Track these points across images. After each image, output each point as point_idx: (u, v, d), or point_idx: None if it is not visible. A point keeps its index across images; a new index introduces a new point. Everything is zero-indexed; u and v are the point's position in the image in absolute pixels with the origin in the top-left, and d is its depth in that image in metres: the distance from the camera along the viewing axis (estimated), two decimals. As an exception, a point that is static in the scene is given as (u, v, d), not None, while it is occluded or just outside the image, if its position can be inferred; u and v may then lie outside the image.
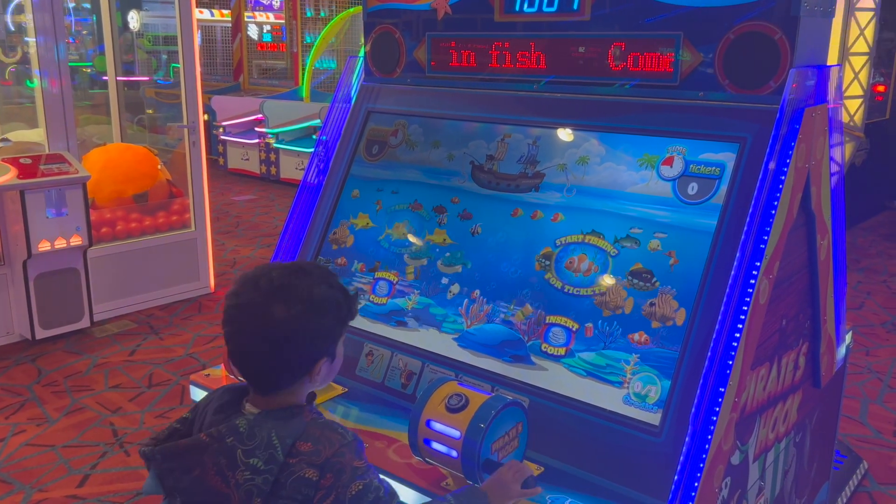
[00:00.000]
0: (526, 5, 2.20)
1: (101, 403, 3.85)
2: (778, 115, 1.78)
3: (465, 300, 2.09)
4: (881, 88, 7.53)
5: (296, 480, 1.25)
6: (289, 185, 9.14)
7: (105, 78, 6.10)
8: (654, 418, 1.74)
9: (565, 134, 2.13)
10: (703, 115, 1.92)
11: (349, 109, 2.61)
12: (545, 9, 2.17)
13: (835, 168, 2.10)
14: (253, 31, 11.88)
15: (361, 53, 2.67)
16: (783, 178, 1.81)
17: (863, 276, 5.95)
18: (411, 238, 2.29)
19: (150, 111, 7.65)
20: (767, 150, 1.79)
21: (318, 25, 10.89)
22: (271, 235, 7.13)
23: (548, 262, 2.00)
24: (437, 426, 1.59)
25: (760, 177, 1.78)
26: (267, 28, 12.47)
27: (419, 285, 2.19)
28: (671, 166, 1.93)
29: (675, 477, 1.64)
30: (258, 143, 9.51)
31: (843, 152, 2.15)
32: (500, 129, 2.22)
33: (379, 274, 2.30)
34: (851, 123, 6.72)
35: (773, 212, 1.79)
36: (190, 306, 5.24)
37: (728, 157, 1.86)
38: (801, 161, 1.88)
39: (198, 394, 2.22)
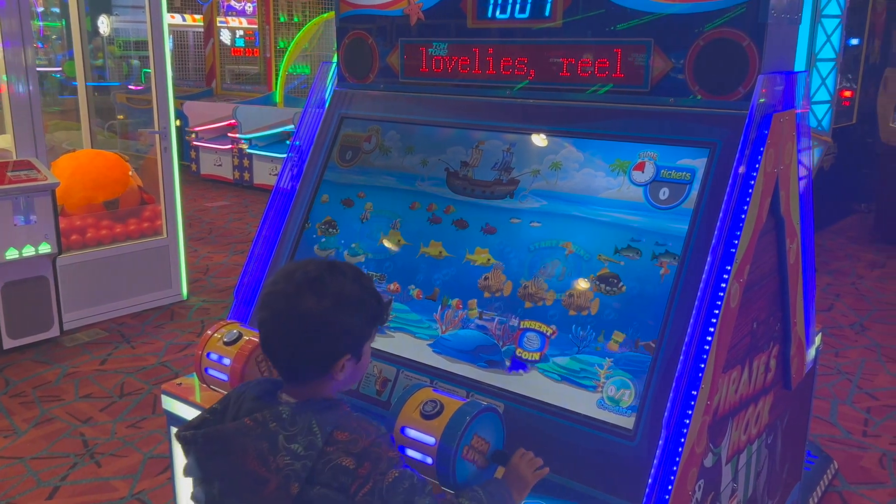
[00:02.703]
0: (498, 12, 2.21)
1: (71, 414, 3.79)
2: (747, 120, 1.80)
3: (440, 306, 2.09)
4: (847, 94, 7.67)
5: (333, 468, 1.29)
6: (262, 191, 9.08)
7: (75, 83, 6.02)
8: (627, 422, 1.75)
9: (539, 140, 2.14)
10: (674, 121, 1.94)
11: (322, 115, 2.60)
12: (517, 15, 2.18)
13: (803, 172, 2.13)
14: (226, 37, 11.80)
15: (335, 59, 2.67)
16: (753, 182, 1.84)
17: (832, 279, 6.05)
18: (385, 243, 2.28)
19: (121, 117, 7.56)
20: (737, 155, 1.81)
21: (291, 31, 10.84)
22: (245, 241, 7.08)
23: (524, 268, 2.01)
24: (412, 433, 1.59)
25: (730, 182, 1.80)
26: (240, 33, 12.40)
27: (393, 290, 2.18)
28: (643, 171, 1.95)
29: (650, 480, 1.65)
30: (231, 149, 9.43)
31: (811, 157, 2.19)
32: (474, 135, 2.23)
33: (353, 280, 2.28)
34: (819, 128, 6.83)
35: (743, 216, 1.82)
36: (162, 314, 5.18)
37: (699, 163, 1.88)
38: (770, 166, 1.91)
39: (170, 403, 2.19)
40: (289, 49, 9.86)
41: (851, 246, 7.01)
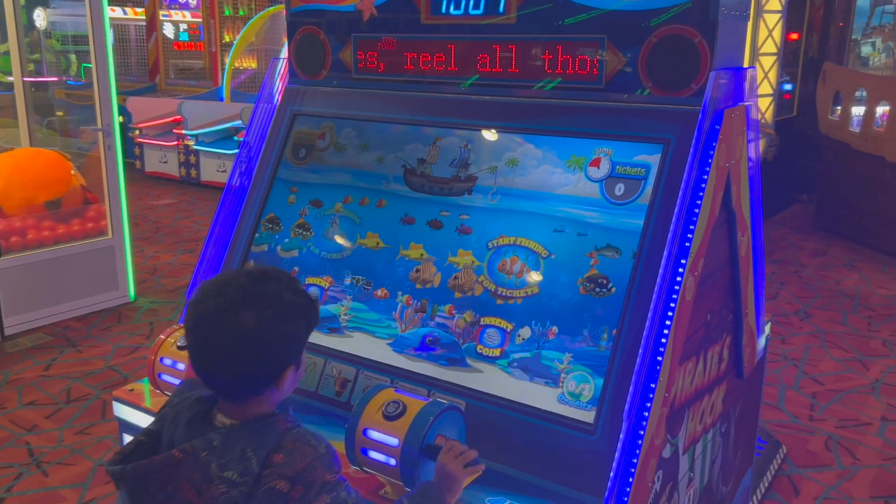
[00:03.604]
0: (452, 7, 2.20)
1: (14, 422, 3.66)
2: (700, 116, 1.83)
3: (399, 304, 2.07)
4: (788, 87, 7.88)
5: (267, 491, 1.26)
6: (210, 188, 8.91)
7: (11, 78, 5.80)
8: (588, 416, 1.76)
9: (496, 136, 2.14)
10: (628, 117, 1.96)
11: (274, 112, 2.56)
12: (471, 11, 2.17)
13: (752, 166, 2.17)
14: (169, 30, 11.51)
15: (282, 54, 2.62)
16: (706, 177, 1.86)
17: (776, 268, 6.22)
18: (342, 242, 2.25)
19: (60, 113, 7.32)
20: (691, 150, 1.84)
21: (236, 24, 10.64)
22: (193, 240, 6.94)
23: (481, 265, 2.01)
24: (375, 434, 1.57)
25: (685, 177, 1.83)
26: (183, 27, 12.11)
27: (351, 290, 2.16)
28: (598, 167, 1.96)
29: (611, 473, 1.67)
30: (177, 146, 9.22)
31: (759, 150, 2.23)
32: (431, 131, 2.21)
33: (309, 280, 2.25)
34: (763, 121, 7.00)
35: (697, 211, 1.84)
36: (109, 316, 5.04)
37: (653, 158, 1.90)
38: (722, 160, 1.94)
39: (122, 410, 2.13)
40: (235, 43, 9.68)
41: (794, 235, 7.22)
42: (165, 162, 9.45)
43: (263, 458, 1.27)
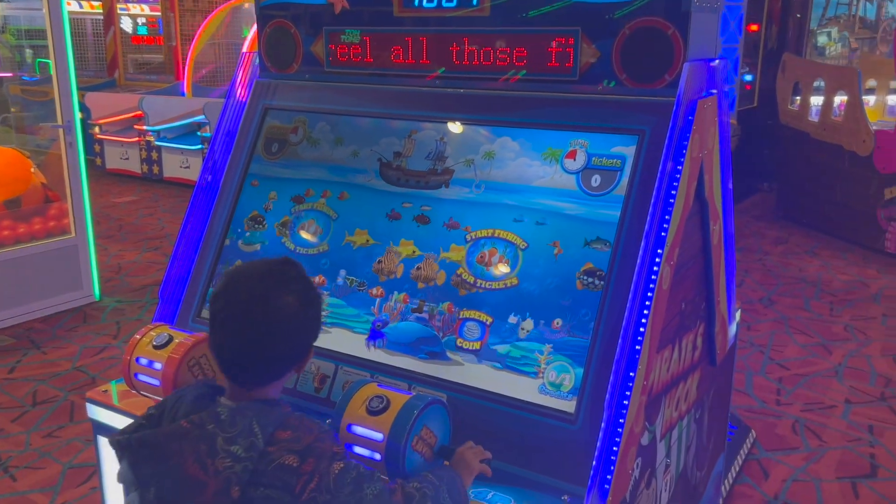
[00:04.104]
0: (425, 0, 2.19)
1: (-21, 427, 3.58)
2: (674, 107, 1.85)
3: (378, 299, 2.07)
4: (749, 78, 8.02)
5: (276, 468, 1.27)
6: (173, 185, 8.77)
7: (-36, 74, 5.64)
8: (569, 406, 1.78)
9: (472, 129, 2.14)
10: (604, 109, 1.98)
11: (245, 106, 2.52)
12: (445, 4, 2.17)
13: (723, 156, 2.20)
14: (127, 24, 11.29)
15: (245, 48, 2.58)
16: (680, 168, 1.89)
17: (740, 256, 6.33)
18: (318, 237, 2.24)
19: (14, 110, 7.13)
20: (666, 141, 1.86)
21: (196, 18, 10.48)
22: (157, 238, 6.83)
23: (459, 258, 2.01)
24: (359, 430, 1.57)
25: (660, 168, 1.85)
26: (142, 21, 11.88)
27: (329, 286, 2.15)
28: (574, 159, 1.98)
29: (593, 462, 1.69)
30: (138, 142, 9.06)
31: (730, 141, 2.27)
32: (406, 125, 2.20)
33: (285, 276, 2.23)
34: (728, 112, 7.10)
35: (672, 201, 1.87)
36: (74, 317, 4.94)
37: (628, 150, 1.92)
38: (695, 151, 1.96)
39: (95, 412, 2.10)
40: (196, 37, 9.52)
41: (757, 224, 7.35)
42: (127, 158, 9.27)
43: (269, 434, 1.29)
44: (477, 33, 2.13)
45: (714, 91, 2.07)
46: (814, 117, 7.04)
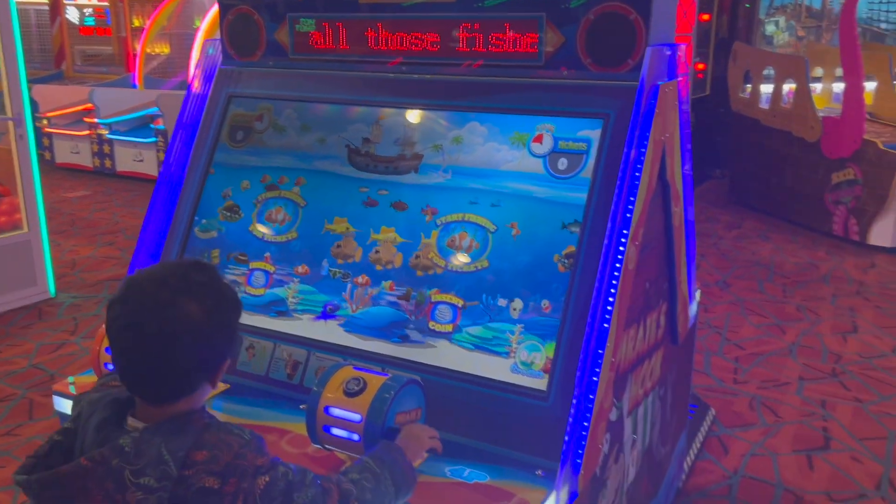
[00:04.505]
0: (391, -14, 2.20)
1: (-66, 427, 3.48)
2: (637, 91, 1.90)
3: (349, 285, 2.08)
4: (701, 66, 8.18)
5: (197, 492, 1.19)
6: (127, 179, 8.59)
7: None
8: (541, 384, 1.82)
9: (439, 115, 2.16)
10: (569, 94, 2.02)
11: (207, 95, 2.50)
12: (409, -10, 2.18)
13: (683, 139, 2.26)
14: (73, 15, 10.99)
15: (200, 36, 2.56)
16: (644, 151, 1.94)
17: (696, 241, 6.46)
18: (286, 225, 2.23)
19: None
20: (630, 125, 1.91)
21: (146, 8, 10.25)
22: (112, 232, 6.70)
23: (430, 242, 2.03)
24: (337, 412, 1.58)
25: (625, 151, 1.90)
26: (88, 11, 11.57)
27: (299, 273, 2.15)
28: (541, 143, 2.01)
29: (565, 437, 1.73)
30: (89, 135, 8.84)
31: (690, 125, 2.33)
32: (374, 111, 2.21)
33: (254, 264, 2.23)
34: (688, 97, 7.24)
35: (637, 183, 1.92)
36: (29, 314, 4.83)
37: (594, 133, 1.96)
38: (658, 134, 2.01)
39: (63, 404, 2.07)
40: (147, 28, 9.32)
41: (711, 209, 7.52)
42: (77, 152, 9.05)
43: (182, 458, 1.20)
44: (442, 19, 2.14)
45: (675, 75, 2.12)
46: (764, 105, 7.22)
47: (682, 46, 2.15)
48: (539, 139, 2.02)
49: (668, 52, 2.06)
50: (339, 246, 2.11)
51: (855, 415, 3.67)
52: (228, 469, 1.21)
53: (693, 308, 2.69)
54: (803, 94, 6.70)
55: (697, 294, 2.82)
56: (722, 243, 6.45)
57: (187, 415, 1.27)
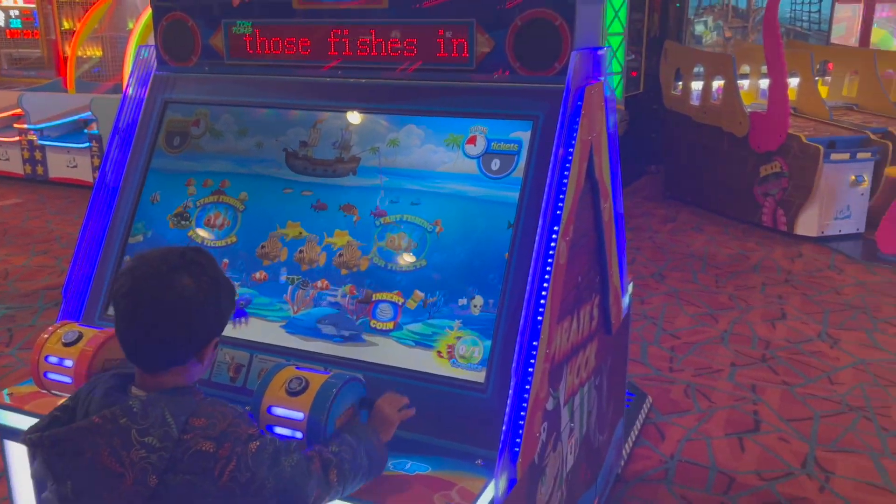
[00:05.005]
0: (324, -7, 2.23)
1: None
2: (564, 94, 1.98)
3: (290, 286, 2.11)
4: (635, 65, 8.40)
5: (193, 455, 1.30)
6: (60, 186, 8.38)
7: None
8: (479, 376, 1.89)
9: (376, 118, 2.21)
10: (500, 97, 2.09)
11: (143, 101, 2.50)
12: (343, -4, 2.22)
13: (610, 138, 2.36)
14: (-2, 17, 10.65)
15: (134, 41, 2.56)
16: (572, 150, 2.02)
17: (632, 235, 6.65)
18: (226, 229, 2.25)
19: None
20: (558, 126, 1.99)
21: (76, 10, 10.00)
22: (47, 241, 6.53)
23: (369, 243, 2.08)
24: (279, 411, 1.62)
25: (553, 150, 1.98)
26: (15, 13, 11.22)
27: (239, 276, 2.17)
28: (475, 145, 2.08)
29: (504, 427, 1.80)
30: (19, 141, 8.59)
31: (616, 124, 2.43)
32: (312, 115, 2.25)
33: (195, 269, 2.24)
34: (613, 97, 7.43)
35: (566, 181, 2.00)
36: (-40, 326, 4.70)
37: (524, 135, 2.04)
38: (585, 134, 2.10)
39: (1, 416, 2.05)
40: (78, 30, 9.10)
41: (646, 204, 7.74)
42: (7, 160, 8.78)
43: (183, 422, 1.32)
44: (376, 25, 2.19)
45: (600, 77, 2.22)
46: (694, 101, 7.46)
47: (606, 49, 2.25)
48: (473, 141, 2.08)
49: (593, 56, 2.16)
50: (268, 248, 2.14)
51: (783, 398, 3.85)
52: (224, 435, 1.34)
53: (626, 300, 2.80)
54: (731, 90, 6.95)
55: (630, 286, 2.94)
56: (657, 237, 6.65)
57: (187, 387, 1.41)
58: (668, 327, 4.73)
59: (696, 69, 7.52)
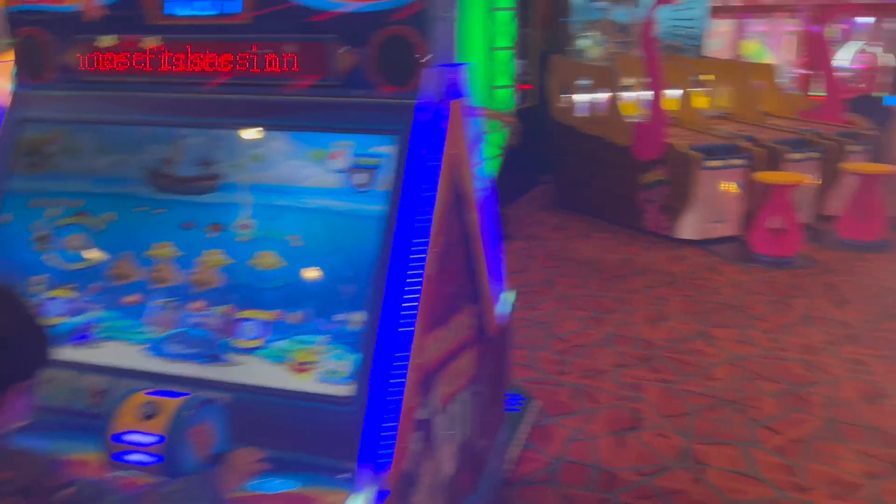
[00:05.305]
0: (184, 8, 2.20)
1: None
2: (426, 108, 2.03)
3: (153, 308, 2.06)
4: (525, 78, 8.63)
5: None
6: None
7: None
8: (347, 391, 1.90)
9: (240, 134, 2.19)
10: (364, 112, 2.11)
11: (1, 119, 2.39)
12: (205, 11, 2.20)
13: (475, 151, 2.43)
14: None
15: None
16: (435, 164, 2.07)
17: (525, 243, 6.83)
18: (85, 251, 2.18)
19: None
20: (422, 140, 2.03)
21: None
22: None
23: (233, 262, 2.06)
24: (132, 437, 1.58)
25: (419, 164, 2.02)
26: None
27: (100, 299, 2.11)
28: (340, 160, 2.09)
29: (373, 439, 1.82)
30: None
31: (480, 137, 2.49)
32: (174, 132, 2.21)
33: (51, 293, 2.15)
34: (506, 110, 7.60)
35: (432, 194, 2.04)
36: None
37: (389, 149, 2.07)
38: (449, 148, 2.15)
39: None
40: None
41: (539, 213, 7.95)
42: None
43: None
44: (241, 40, 2.18)
45: (462, 93, 2.28)
46: (581, 113, 7.73)
47: (469, 65, 2.31)
48: (338, 155, 2.10)
49: (453, 72, 2.21)
50: (129, 269, 2.08)
51: (662, 395, 4.03)
52: (27, 490, 1.23)
53: (502, 307, 2.87)
54: (614, 102, 7.24)
55: (510, 294, 3.01)
56: (549, 244, 6.84)
57: None
58: (557, 332, 4.86)
59: (581, 82, 7.79)
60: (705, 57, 9.16)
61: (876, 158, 7.32)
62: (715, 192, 6.60)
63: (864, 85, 9.85)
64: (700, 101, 8.18)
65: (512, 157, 7.29)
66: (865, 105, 8.48)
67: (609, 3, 8.27)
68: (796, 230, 6.16)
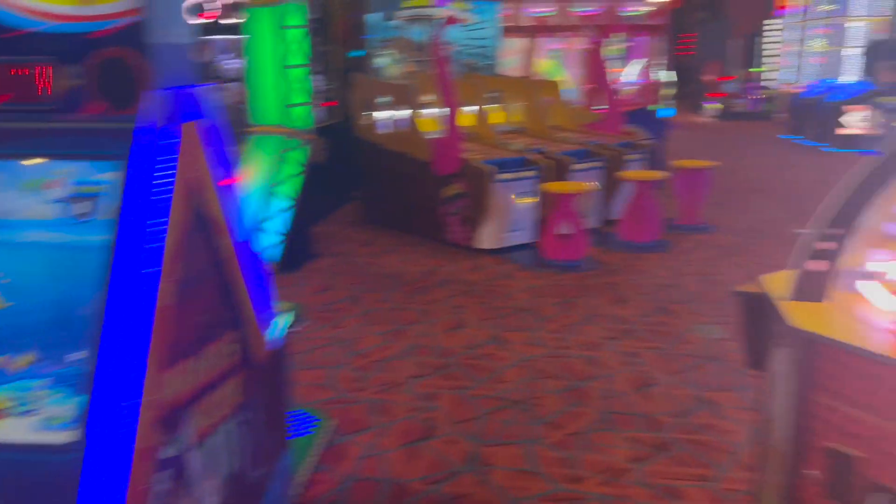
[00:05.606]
0: None
1: None
2: (151, 132, 1.95)
3: None
4: (332, 95, 8.62)
5: None
6: None
7: None
8: (68, 437, 1.77)
9: (-63, 165, 1.99)
10: (84, 137, 2.00)
11: None
12: None
13: (222, 175, 2.37)
14: None
15: None
16: (169, 188, 1.99)
17: (334, 260, 6.80)
18: None
19: None
20: (147, 165, 1.95)
21: None
22: None
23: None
24: None
25: (144, 190, 1.93)
26: None
27: None
28: (59, 188, 1.96)
29: (96, 488, 1.71)
30: None
31: (229, 161, 2.44)
32: None
33: None
34: (305, 128, 7.54)
35: (164, 220, 1.96)
36: None
37: (114, 175, 1.97)
38: (186, 172, 2.08)
39: None
40: None
41: (348, 230, 7.95)
42: None
43: None
44: (-62, 63, 1.99)
45: (200, 115, 2.21)
46: (383, 130, 7.83)
47: (205, 87, 2.26)
48: (56, 184, 1.97)
49: (186, 94, 2.15)
50: None
51: (456, 402, 4.13)
52: None
53: (271, 332, 2.82)
54: (413, 119, 7.40)
55: (286, 316, 2.96)
56: (356, 260, 6.86)
57: None
58: (358, 348, 4.86)
59: (382, 100, 7.89)
60: (499, 75, 9.61)
61: (652, 166, 8.01)
62: (509, 203, 6.92)
63: (642, 99, 10.77)
64: (497, 117, 8.56)
65: (318, 175, 7.22)
66: (642, 117, 9.27)
67: (403, 21, 8.46)
68: (582, 235, 6.60)
